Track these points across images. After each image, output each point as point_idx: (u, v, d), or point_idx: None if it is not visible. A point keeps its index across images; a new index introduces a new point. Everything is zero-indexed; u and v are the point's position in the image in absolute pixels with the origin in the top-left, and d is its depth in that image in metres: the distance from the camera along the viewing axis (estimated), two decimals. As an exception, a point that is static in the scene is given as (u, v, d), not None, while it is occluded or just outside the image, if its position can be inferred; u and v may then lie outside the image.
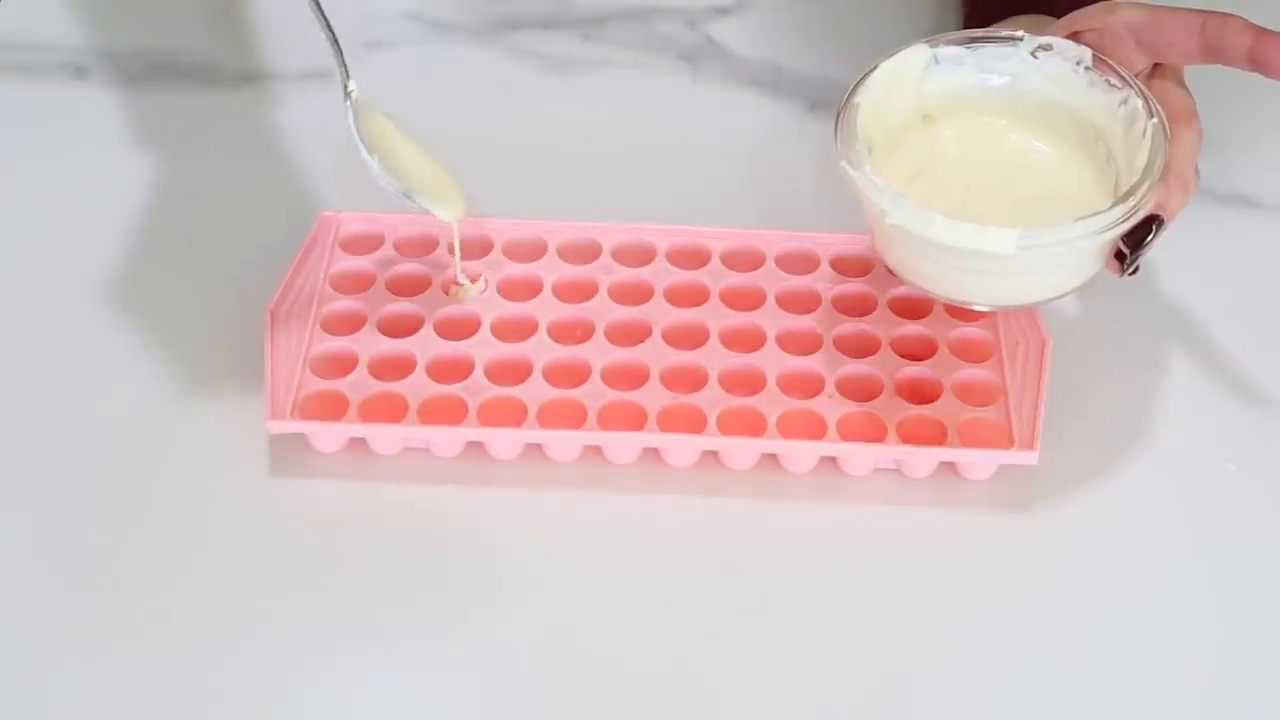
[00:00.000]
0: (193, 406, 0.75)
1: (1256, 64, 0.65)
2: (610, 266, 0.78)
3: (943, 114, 0.71)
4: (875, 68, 0.69)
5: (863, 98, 0.68)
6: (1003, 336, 0.75)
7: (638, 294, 0.77)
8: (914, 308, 0.76)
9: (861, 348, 0.75)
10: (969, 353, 0.75)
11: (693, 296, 0.77)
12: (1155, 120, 0.66)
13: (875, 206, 0.65)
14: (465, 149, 0.86)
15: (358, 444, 0.73)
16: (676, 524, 0.71)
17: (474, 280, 0.77)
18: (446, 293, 0.77)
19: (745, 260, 0.78)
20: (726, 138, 0.88)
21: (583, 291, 0.77)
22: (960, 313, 0.76)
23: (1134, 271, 0.66)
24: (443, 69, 0.92)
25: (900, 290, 0.77)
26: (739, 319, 0.76)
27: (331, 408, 0.72)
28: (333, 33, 0.72)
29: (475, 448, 0.73)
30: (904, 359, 0.74)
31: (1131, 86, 0.68)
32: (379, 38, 0.93)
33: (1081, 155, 0.70)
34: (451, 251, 0.76)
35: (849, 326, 0.75)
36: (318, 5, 0.72)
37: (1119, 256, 0.66)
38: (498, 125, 0.88)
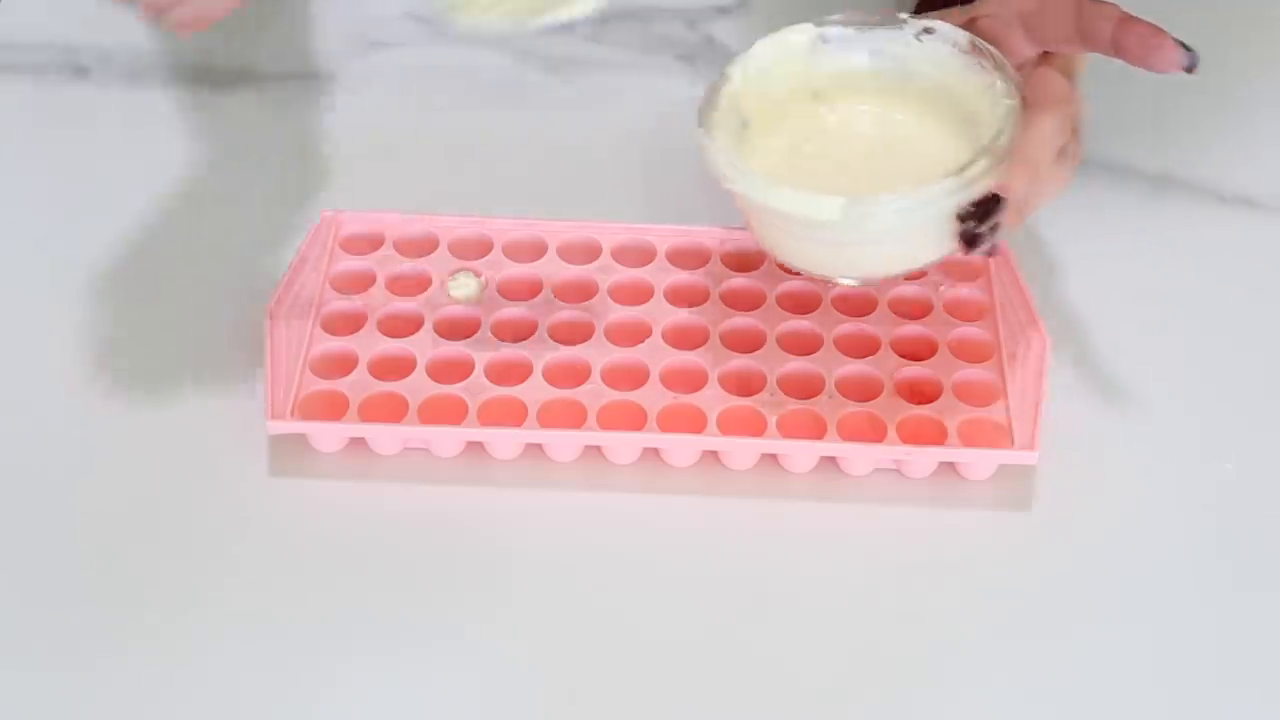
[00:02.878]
0: (193, 406, 0.74)
1: (1117, 49, 0.65)
2: (610, 266, 0.78)
3: (831, 93, 0.72)
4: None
5: (736, 70, 0.69)
6: (1003, 336, 0.75)
7: (638, 294, 0.77)
8: (914, 308, 0.76)
9: (861, 348, 0.75)
10: (969, 353, 0.75)
11: (693, 296, 0.77)
12: (1011, 102, 0.66)
13: (718, 171, 0.66)
14: (466, 149, 0.86)
15: (358, 444, 0.73)
16: (676, 524, 0.71)
17: (477, 275, 0.77)
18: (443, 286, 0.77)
19: (745, 260, 0.78)
20: (726, 138, 0.88)
21: (583, 291, 0.77)
22: (960, 312, 0.76)
23: (989, 252, 0.65)
24: (443, 69, 0.91)
25: (900, 290, 0.77)
26: (739, 319, 0.76)
27: (331, 408, 0.72)
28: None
29: (475, 448, 0.72)
30: (904, 359, 0.74)
31: (1000, 70, 0.68)
32: (379, 38, 0.93)
33: (958, 137, 0.70)
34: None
35: (849, 326, 0.75)
36: None
37: (969, 239, 0.65)
38: (498, 125, 0.88)
